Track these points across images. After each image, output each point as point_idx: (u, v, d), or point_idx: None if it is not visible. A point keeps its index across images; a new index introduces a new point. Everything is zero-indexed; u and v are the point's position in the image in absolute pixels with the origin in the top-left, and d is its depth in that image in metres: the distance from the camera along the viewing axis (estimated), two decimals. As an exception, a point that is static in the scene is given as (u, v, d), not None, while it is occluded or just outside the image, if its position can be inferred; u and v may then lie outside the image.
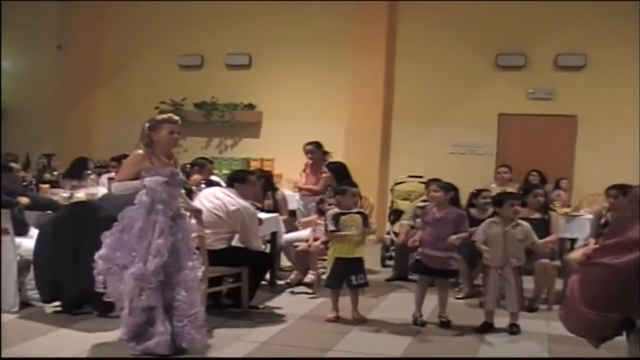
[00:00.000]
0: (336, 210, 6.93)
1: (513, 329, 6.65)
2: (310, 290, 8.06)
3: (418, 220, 7.35)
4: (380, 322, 6.91)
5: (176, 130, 5.79)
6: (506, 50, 12.53)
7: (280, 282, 8.37)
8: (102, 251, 5.46)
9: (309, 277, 8.30)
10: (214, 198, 7.05)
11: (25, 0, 14.21)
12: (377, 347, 6.20)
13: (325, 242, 8.00)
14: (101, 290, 5.57)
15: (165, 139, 5.73)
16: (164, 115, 6.01)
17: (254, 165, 12.58)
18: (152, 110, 13.22)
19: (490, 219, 6.96)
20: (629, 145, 11.65)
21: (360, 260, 6.89)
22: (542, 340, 6.42)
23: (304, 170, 10.02)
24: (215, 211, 6.90)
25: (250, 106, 13.61)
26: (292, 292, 8.09)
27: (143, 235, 5.35)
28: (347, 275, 6.77)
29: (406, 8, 12.92)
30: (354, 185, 7.44)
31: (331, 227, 6.83)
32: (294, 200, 10.02)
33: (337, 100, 12.92)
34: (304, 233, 8.68)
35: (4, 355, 4.87)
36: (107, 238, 5.47)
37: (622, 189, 8.10)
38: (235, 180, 7.41)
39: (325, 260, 8.12)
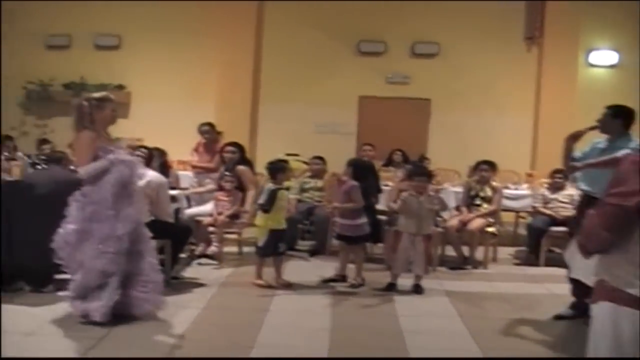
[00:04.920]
0: (271, 185, 7.44)
1: (418, 290, 7.42)
2: (214, 262, 8.56)
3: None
4: (296, 284, 7.54)
5: (115, 107, 6.01)
6: (367, 37, 13.44)
7: (182, 255, 8.64)
8: (69, 224, 5.69)
9: (212, 249, 8.82)
10: None
11: None
12: (309, 303, 6.87)
13: (232, 216, 8.57)
14: (59, 262, 5.78)
15: (109, 117, 5.89)
16: (103, 94, 6.05)
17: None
18: (20, 90, 13.18)
19: (405, 192, 7.66)
20: (474, 126, 12.97)
21: (285, 230, 7.53)
22: (442, 296, 7.35)
23: (196, 150, 10.37)
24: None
25: (120, 87, 13.70)
26: (199, 264, 8.52)
27: (114, 206, 5.65)
28: (276, 243, 7.37)
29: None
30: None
31: (264, 200, 7.32)
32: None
33: (206, 82, 13.24)
34: (206, 208, 9.08)
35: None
36: (74, 211, 5.70)
37: (490, 164, 9.28)
38: None
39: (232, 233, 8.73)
